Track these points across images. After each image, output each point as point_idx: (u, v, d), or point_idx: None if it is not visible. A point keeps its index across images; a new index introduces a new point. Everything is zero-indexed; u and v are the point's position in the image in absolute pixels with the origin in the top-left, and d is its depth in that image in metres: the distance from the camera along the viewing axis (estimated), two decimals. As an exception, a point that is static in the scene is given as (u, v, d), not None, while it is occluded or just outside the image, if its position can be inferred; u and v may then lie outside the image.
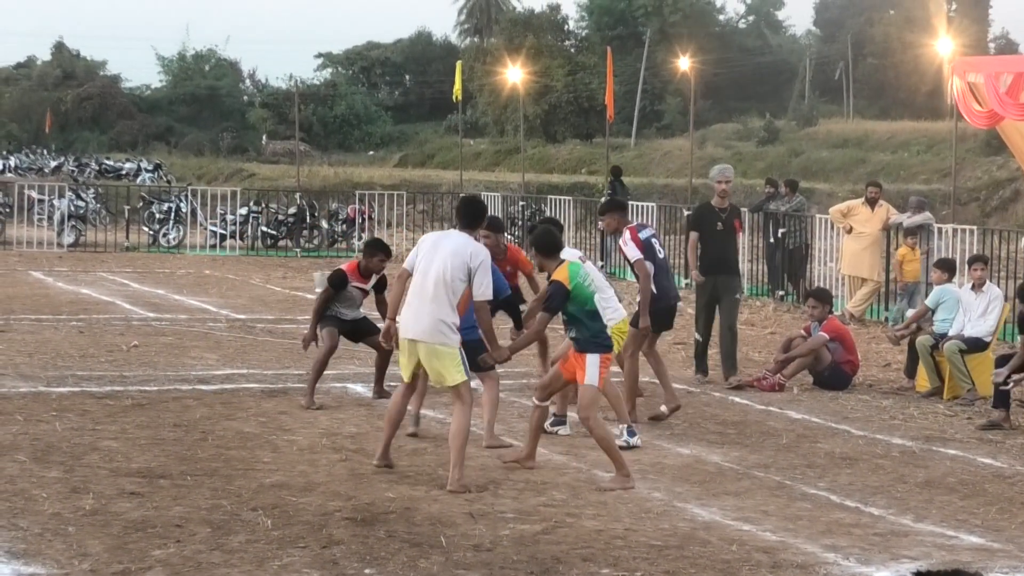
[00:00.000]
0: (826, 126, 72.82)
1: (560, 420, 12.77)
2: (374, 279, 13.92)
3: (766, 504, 10.25)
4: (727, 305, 15.92)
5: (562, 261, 11.04)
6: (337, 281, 13.82)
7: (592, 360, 10.77)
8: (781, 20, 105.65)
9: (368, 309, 14.37)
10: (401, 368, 10.87)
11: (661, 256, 13.95)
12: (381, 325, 12.07)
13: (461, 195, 10.97)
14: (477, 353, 11.23)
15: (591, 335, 10.83)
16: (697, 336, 16.17)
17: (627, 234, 13.63)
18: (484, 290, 10.55)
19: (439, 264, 10.47)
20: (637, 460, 11.60)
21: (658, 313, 13.66)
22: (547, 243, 11.20)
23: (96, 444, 11.53)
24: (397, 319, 10.99)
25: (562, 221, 29.23)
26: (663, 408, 13.76)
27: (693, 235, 16.24)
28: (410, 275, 10.73)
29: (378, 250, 13.76)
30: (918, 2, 79.49)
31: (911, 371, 16.16)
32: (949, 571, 2.98)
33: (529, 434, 11.33)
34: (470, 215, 10.89)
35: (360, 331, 14.13)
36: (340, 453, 11.51)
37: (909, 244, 21.04)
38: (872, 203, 21.88)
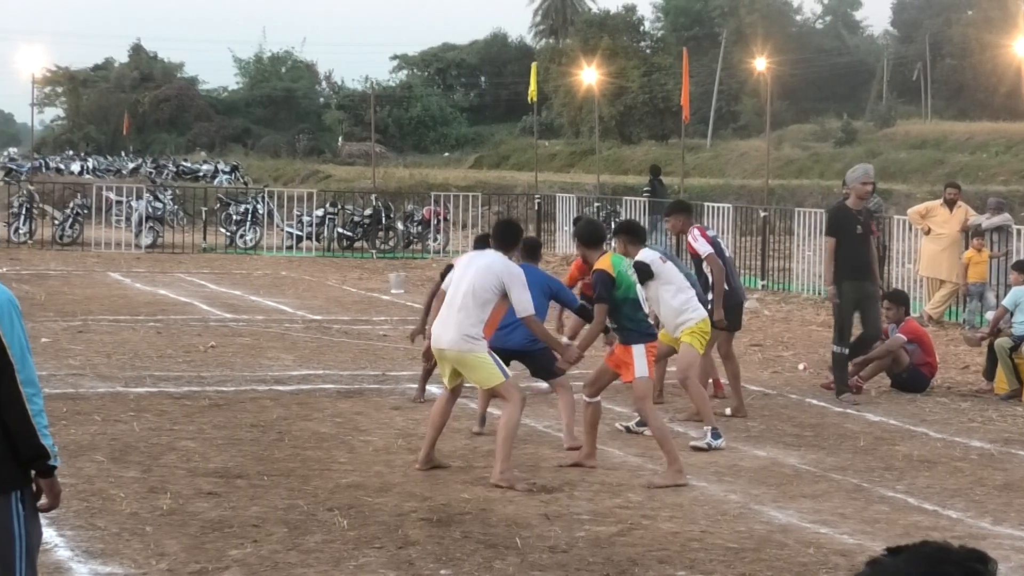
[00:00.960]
0: (904, 127, 72.14)
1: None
2: None
3: (843, 507, 10.16)
4: (872, 314, 15.13)
5: (604, 251, 11.13)
6: (448, 272, 13.84)
7: (638, 351, 10.78)
8: (858, 20, 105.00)
9: None
10: (442, 376, 10.95)
11: (728, 255, 14.14)
12: None
13: (498, 219, 11.33)
14: (543, 361, 11.43)
15: (634, 325, 10.86)
16: (839, 348, 14.85)
17: (696, 231, 13.82)
18: (524, 307, 10.59)
19: (470, 277, 10.64)
20: (713, 462, 11.57)
21: (730, 311, 13.73)
22: (589, 234, 11.36)
23: (173, 444, 11.59)
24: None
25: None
26: (727, 410, 13.77)
27: (831, 241, 15.07)
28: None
29: (487, 246, 13.72)
30: (997, 2, 78.65)
31: (990, 373, 15.95)
32: (918, 543, 3.08)
33: (585, 433, 11.30)
34: (505, 237, 11.08)
35: None
36: (416, 454, 11.43)
37: (975, 246, 20.73)
38: (951, 204, 21.60)
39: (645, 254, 11.92)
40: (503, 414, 10.63)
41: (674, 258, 12.88)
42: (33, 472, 5.61)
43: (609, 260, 10.94)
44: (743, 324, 15.21)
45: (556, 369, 11.49)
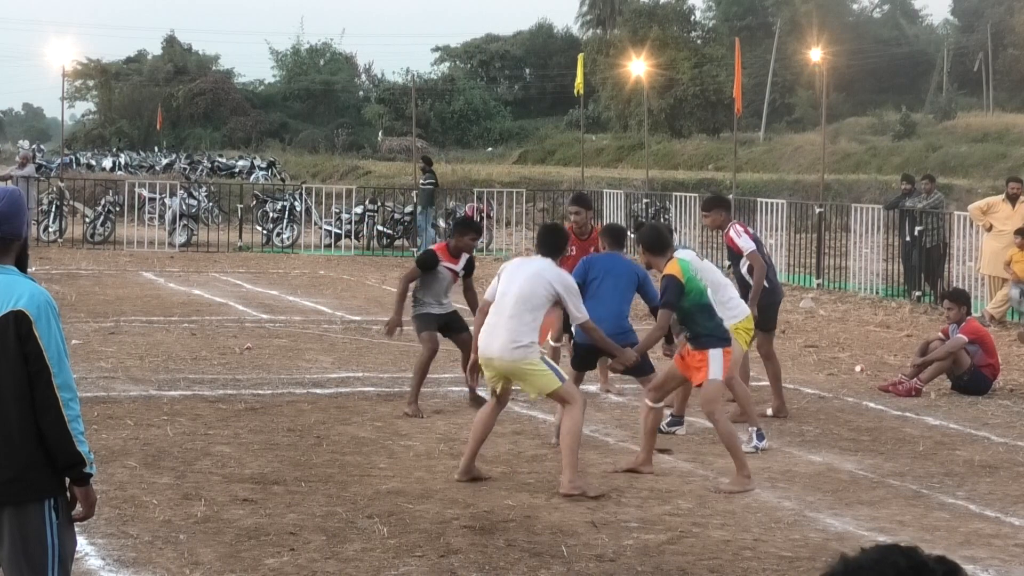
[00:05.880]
0: (965, 119, 71.54)
1: (677, 420, 12.70)
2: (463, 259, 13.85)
3: (902, 514, 10.02)
4: None
5: (671, 257, 10.96)
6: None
7: (715, 355, 10.65)
8: (917, 9, 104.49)
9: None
10: (489, 383, 10.70)
11: (767, 251, 13.99)
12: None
13: (543, 223, 11.47)
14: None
15: (709, 330, 10.72)
16: None
17: (738, 227, 13.63)
18: (580, 314, 10.61)
19: (519, 283, 10.43)
20: (767, 468, 11.41)
21: (768, 308, 13.54)
22: (654, 240, 11.15)
23: (208, 449, 11.48)
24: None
25: (688, 219, 28.87)
26: (768, 410, 13.54)
27: None
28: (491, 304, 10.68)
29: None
30: (1061, -10, 77.89)
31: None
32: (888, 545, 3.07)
33: (644, 438, 11.13)
34: (551, 244, 10.86)
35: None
36: (458, 459, 11.29)
37: (1018, 244, 20.28)
38: (1013, 200, 21.33)
39: (683, 252, 11.79)
40: (565, 421, 10.48)
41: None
42: (68, 480, 5.59)
43: (678, 266, 10.76)
44: (787, 323, 14.91)
45: (610, 368, 11.38)
